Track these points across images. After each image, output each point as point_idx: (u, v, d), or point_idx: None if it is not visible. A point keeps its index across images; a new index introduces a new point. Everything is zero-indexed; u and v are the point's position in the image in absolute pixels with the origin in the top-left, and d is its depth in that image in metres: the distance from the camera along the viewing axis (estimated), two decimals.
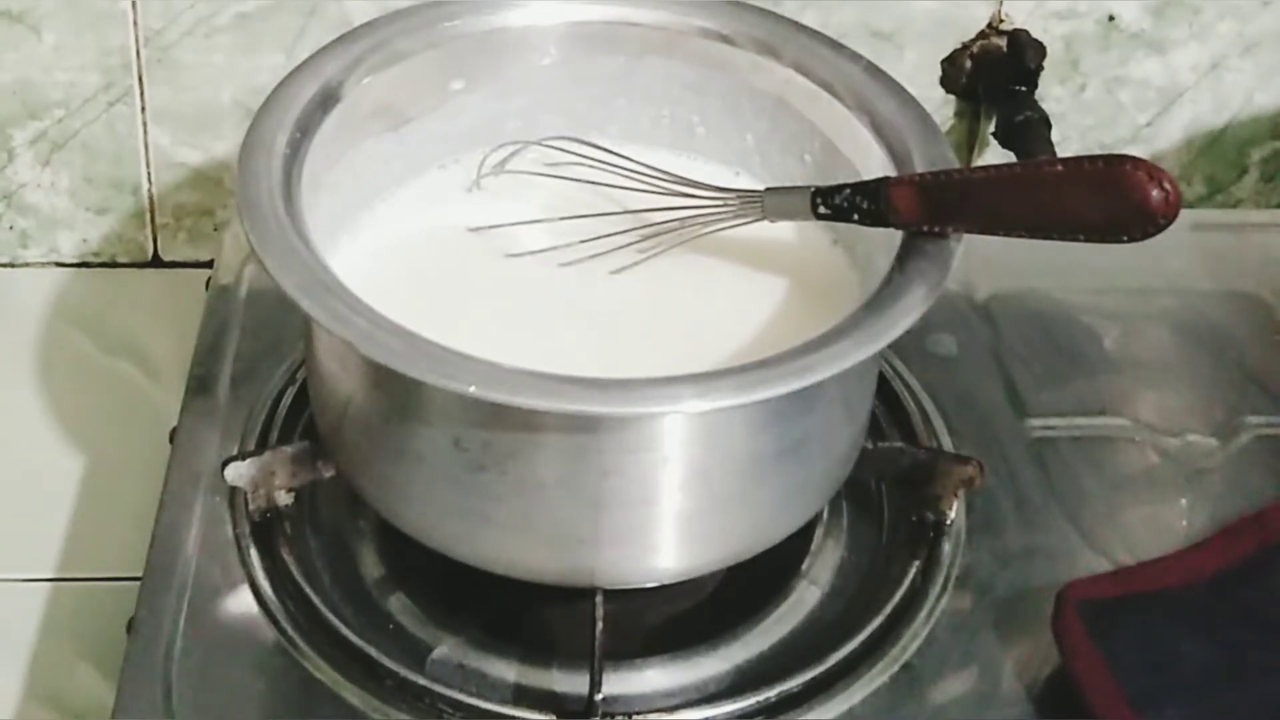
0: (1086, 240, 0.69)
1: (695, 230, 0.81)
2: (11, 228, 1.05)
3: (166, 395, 0.96)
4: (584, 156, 0.83)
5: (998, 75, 1.00)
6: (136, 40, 0.98)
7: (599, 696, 0.73)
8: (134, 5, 0.97)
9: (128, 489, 0.91)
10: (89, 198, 1.04)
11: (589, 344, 0.77)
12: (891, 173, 0.77)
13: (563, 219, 0.82)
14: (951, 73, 1.01)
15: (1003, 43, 1.00)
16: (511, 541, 0.73)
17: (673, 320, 0.79)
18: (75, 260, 1.06)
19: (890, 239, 0.74)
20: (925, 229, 0.73)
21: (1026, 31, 1.00)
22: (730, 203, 0.80)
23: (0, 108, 1.00)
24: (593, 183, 0.83)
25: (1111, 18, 1.01)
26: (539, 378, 0.66)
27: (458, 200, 0.84)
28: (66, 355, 1.01)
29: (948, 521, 0.82)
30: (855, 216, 0.75)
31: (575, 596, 0.76)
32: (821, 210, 0.76)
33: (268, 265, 0.70)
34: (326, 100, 0.78)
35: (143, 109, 1.01)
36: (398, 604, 0.80)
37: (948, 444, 0.87)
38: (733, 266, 0.81)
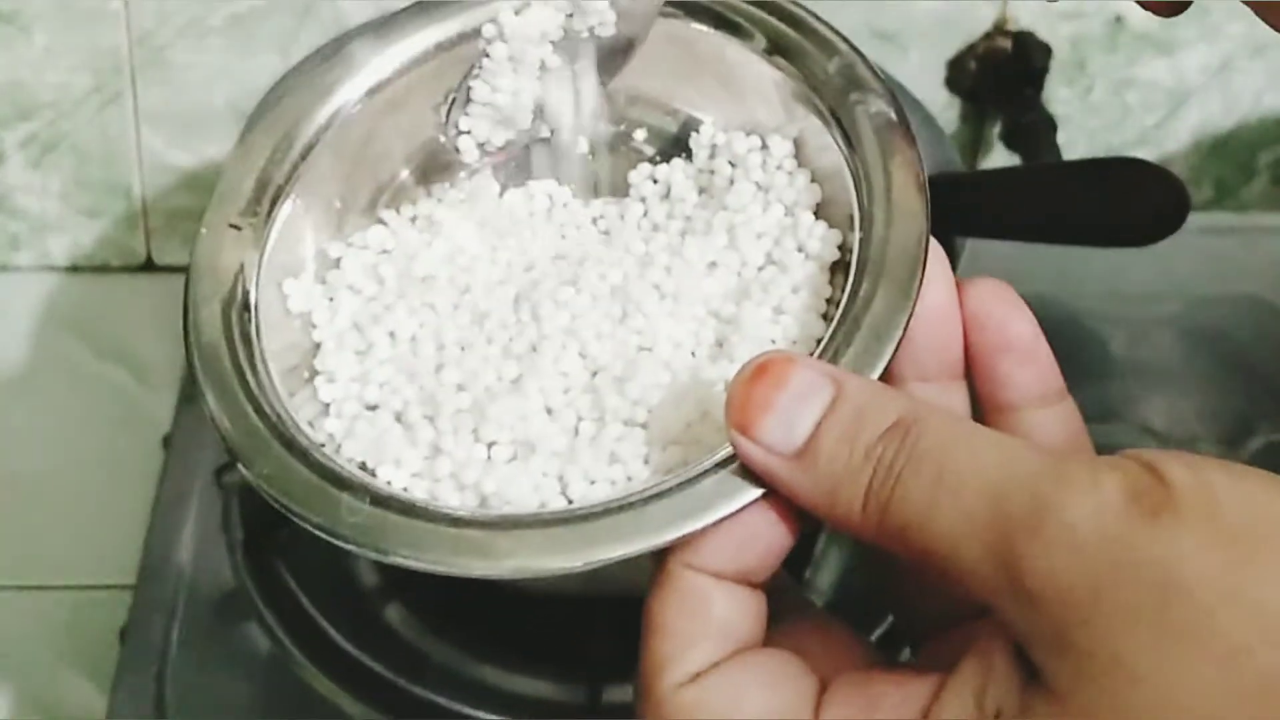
0: (1093, 244, 0.69)
1: None
2: (1, 231, 1.04)
3: (160, 400, 0.95)
4: None
5: (1003, 77, 0.99)
6: (129, 41, 0.97)
7: (599, 706, 0.73)
8: (126, 5, 0.96)
9: (120, 495, 0.90)
10: (80, 201, 1.03)
11: None
12: None
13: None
14: (956, 74, 1.01)
15: (1008, 44, 0.99)
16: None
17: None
18: (67, 264, 1.05)
19: None
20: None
21: (1032, 33, 0.99)
22: None
23: None
24: None
25: (1119, 18, 1.00)
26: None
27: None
28: (58, 360, 1.00)
29: None
30: None
31: (575, 605, 0.75)
32: None
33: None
34: None
35: (135, 111, 1.00)
36: (394, 612, 0.79)
37: None
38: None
